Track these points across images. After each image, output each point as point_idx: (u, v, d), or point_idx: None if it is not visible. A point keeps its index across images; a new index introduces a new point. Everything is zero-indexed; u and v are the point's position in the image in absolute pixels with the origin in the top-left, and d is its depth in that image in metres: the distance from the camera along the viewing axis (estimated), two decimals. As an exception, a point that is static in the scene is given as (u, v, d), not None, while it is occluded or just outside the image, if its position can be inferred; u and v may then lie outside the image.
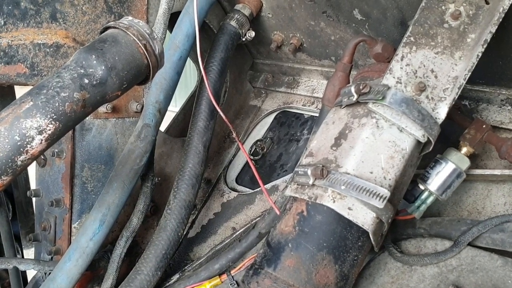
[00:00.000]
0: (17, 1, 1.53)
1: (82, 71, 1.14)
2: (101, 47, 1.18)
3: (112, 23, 1.24)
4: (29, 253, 2.25)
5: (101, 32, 1.26)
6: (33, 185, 2.10)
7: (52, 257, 1.84)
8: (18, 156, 1.06)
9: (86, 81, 1.14)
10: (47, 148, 1.12)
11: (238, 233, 1.91)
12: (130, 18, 1.27)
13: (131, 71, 1.21)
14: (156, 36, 1.27)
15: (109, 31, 1.24)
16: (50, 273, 1.72)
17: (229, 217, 2.13)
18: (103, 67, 1.15)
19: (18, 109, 1.08)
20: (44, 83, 1.12)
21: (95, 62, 1.15)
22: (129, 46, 1.21)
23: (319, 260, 1.22)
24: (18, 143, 1.05)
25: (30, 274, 2.14)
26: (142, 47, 1.22)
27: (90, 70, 1.15)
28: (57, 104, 1.09)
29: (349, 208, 1.23)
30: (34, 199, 2.11)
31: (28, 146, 1.07)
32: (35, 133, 1.07)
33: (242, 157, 2.35)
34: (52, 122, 1.09)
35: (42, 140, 1.09)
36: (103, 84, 1.16)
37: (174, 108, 2.53)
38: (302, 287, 1.20)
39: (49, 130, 1.09)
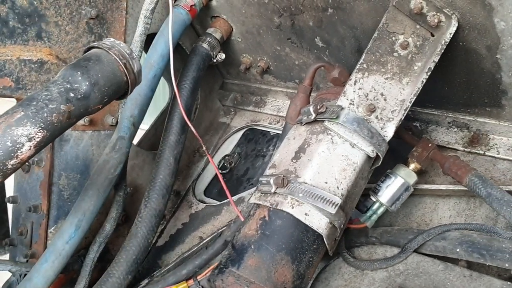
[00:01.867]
0: (6, 20, 1.65)
1: (68, 86, 1.26)
2: (86, 64, 1.30)
3: (95, 43, 1.37)
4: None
5: (85, 51, 1.38)
6: (8, 193, 2.18)
7: (27, 260, 1.93)
8: (9, 160, 1.17)
9: (72, 95, 1.25)
10: (35, 154, 1.23)
11: (205, 241, 2.03)
12: (112, 39, 1.40)
13: (112, 87, 1.33)
14: (135, 56, 1.41)
15: (93, 50, 1.36)
16: (25, 275, 1.81)
17: (196, 227, 2.24)
18: (87, 83, 1.27)
19: (10, 118, 1.19)
20: (34, 96, 1.23)
21: (80, 78, 1.26)
22: (110, 64, 1.33)
23: (278, 260, 1.35)
24: (10, 149, 1.16)
25: (2, 280, 2.22)
26: (123, 66, 1.35)
27: (76, 85, 1.26)
28: (45, 115, 1.20)
29: (306, 214, 1.37)
30: (10, 207, 2.19)
31: (19, 151, 1.17)
32: (25, 140, 1.18)
33: (211, 171, 2.48)
34: (41, 130, 1.20)
35: (31, 146, 1.19)
36: (86, 98, 1.28)
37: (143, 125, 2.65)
38: (262, 284, 1.32)
39: (38, 137, 1.20)
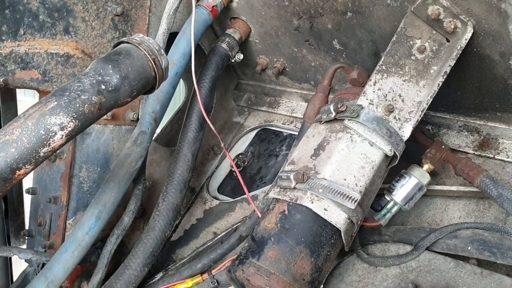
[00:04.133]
0: (37, 14, 1.70)
1: (100, 78, 1.30)
2: (117, 58, 1.35)
3: (125, 38, 1.41)
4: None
5: (115, 46, 1.43)
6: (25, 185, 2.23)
7: (45, 251, 1.97)
8: (42, 148, 1.21)
9: (103, 87, 1.30)
10: (66, 143, 1.28)
11: (219, 236, 2.07)
12: (141, 35, 1.44)
13: (141, 81, 1.38)
14: (163, 52, 1.45)
15: (123, 45, 1.41)
16: (43, 264, 1.86)
17: (210, 222, 2.29)
18: (118, 76, 1.31)
19: (43, 107, 1.23)
20: (67, 86, 1.27)
21: (111, 71, 1.31)
22: (140, 59, 1.37)
23: (297, 253, 1.40)
24: (43, 137, 1.20)
25: (16, 271, 2.25)
26: (151, 61, 1.39)
27: (107, 78, 1.31)
28: (77, 105, 1.25)
29: (325, 209, 1.42)
30: (27, 198, 2.23)
31: (51, 140, 1.22)
32: (57, 129, 1.22)
33: (224, 169, 2.52)
34: (73, 120, 1.24)
35: (63, 135, 1.24)
36: (117, 91, 1.32)
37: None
38: (282, 275, 1.37)
39: (70, 127, 1.24)
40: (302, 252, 1.40)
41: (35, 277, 1.77)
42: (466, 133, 1.89)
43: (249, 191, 2.24)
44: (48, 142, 1.22)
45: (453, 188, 1.79)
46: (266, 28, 2.22)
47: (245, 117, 2.64)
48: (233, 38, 2.22)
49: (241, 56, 2.27)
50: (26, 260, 1.97)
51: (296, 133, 2.32)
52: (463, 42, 1.56)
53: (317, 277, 1.43)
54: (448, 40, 1.59)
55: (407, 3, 1.65)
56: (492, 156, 1.80)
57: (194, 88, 2.04)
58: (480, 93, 1.74)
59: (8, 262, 2.27)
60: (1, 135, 1.18)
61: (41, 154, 1.22)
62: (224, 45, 2.19)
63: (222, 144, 2.05)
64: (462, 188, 1.77)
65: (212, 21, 2.12)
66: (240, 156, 2.53)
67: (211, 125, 1.98)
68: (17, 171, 1.20)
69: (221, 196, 2.44)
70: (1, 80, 1.65)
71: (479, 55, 1.62)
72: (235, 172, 2.44)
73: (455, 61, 1.57)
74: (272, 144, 2.50)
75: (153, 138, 2.50)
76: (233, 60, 2.25)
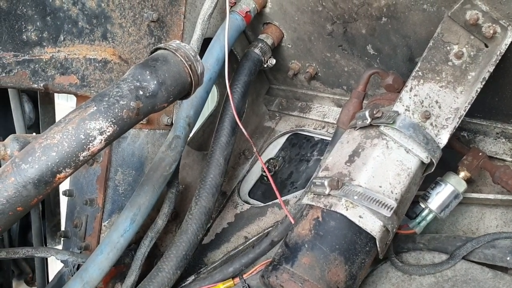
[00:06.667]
0: (76, 21, 1.73)
1: (138, 84, 1.32)
2: (154, 64, 1.36)
3: (162, 45, 1.43)
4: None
5: (152, 52, 1.45)
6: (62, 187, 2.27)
7: (81, 252, 2.01)
8: (81, 152, 1.23)
9: (141, 92, 1.31)
10: (104, 147, 1.29)
11: (251, 240, 2.08)
12: (177, 41, 1.46)
13: (177, 87, 1.39)
14: (199, 59, 1.46)
15: (160, 51, 1.42)
16: (79, 266, 1.89)
17: (241, 227, 2.29)
18: (155, 82, 1.33)
19: (83, 112, 1.25)
20: (106, 92, 1.29)
21: (149, 77, 1.32)
22: (177, 65, 1.38)
23: (332, 260, 1.39)
24: (83, 141, 1.22)
25: (52, 272, 2.30)
26: (188, 67, 1.40)
27: (145, 83, 1.32)
28: (116, 110, 1.26)
29: (360, 216, 1.41)
30: (63, 200, 2.27)
31: (90, 144, 1.23)
32: (97, 134, 1.23)
33: (255, 173, 2.53)
34: (112, 125, 1.25)
35: (102, 140, 1.25)
36: (154, 96, 1.34)
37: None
38: (316, 283, 1.36)
39: (109, 131, 1.26)
40: (336, 259, 1.40)
41: (71, 278, 1.80)
42: (503, 140, 1.86)
43: (280, 196, 2.25)
44: (88, 146, 1.24)
45: (490, 196, 1.76)
46: (299, 33, 2.22)
47: (276, 121, 2.65)
48: (265, 43, 2.23)
49: (274, 61, 2.28)
50: (62, 261, 2.01)
51: (328, 138, 2.32)
52: (503, 47, 1.53)
53: (351, 284, 1.42)
54: (486, 46, 1.57)
55: (444, 8, 1.63)
56: (531, 164, 1.77)
57: (227, 93, 2.05)
58: (520, 99, 1.71)
59: (45, 262, 2.32)
60: (43, 139, 1.20)
61: (81, 158, 1.24)
62: (256, 50, 2.20)
63: (255, 149, 2.06)
64: (499, 197, 1.74)
65: (245, 26, 2.14)
66: (271, 160, 2.53)
67: (243, 130, 1.99)
68: (58, 175, 1.22)
69: (252, 201, 2.45)
70: (42, 85, 1.68)
71: (519, 61, 1.60)
72: (266, 176, 2.45)
73: (494, 67, 1.54)
74: (303, 149, 2.50)
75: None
76: (265, 65, 2.26)
